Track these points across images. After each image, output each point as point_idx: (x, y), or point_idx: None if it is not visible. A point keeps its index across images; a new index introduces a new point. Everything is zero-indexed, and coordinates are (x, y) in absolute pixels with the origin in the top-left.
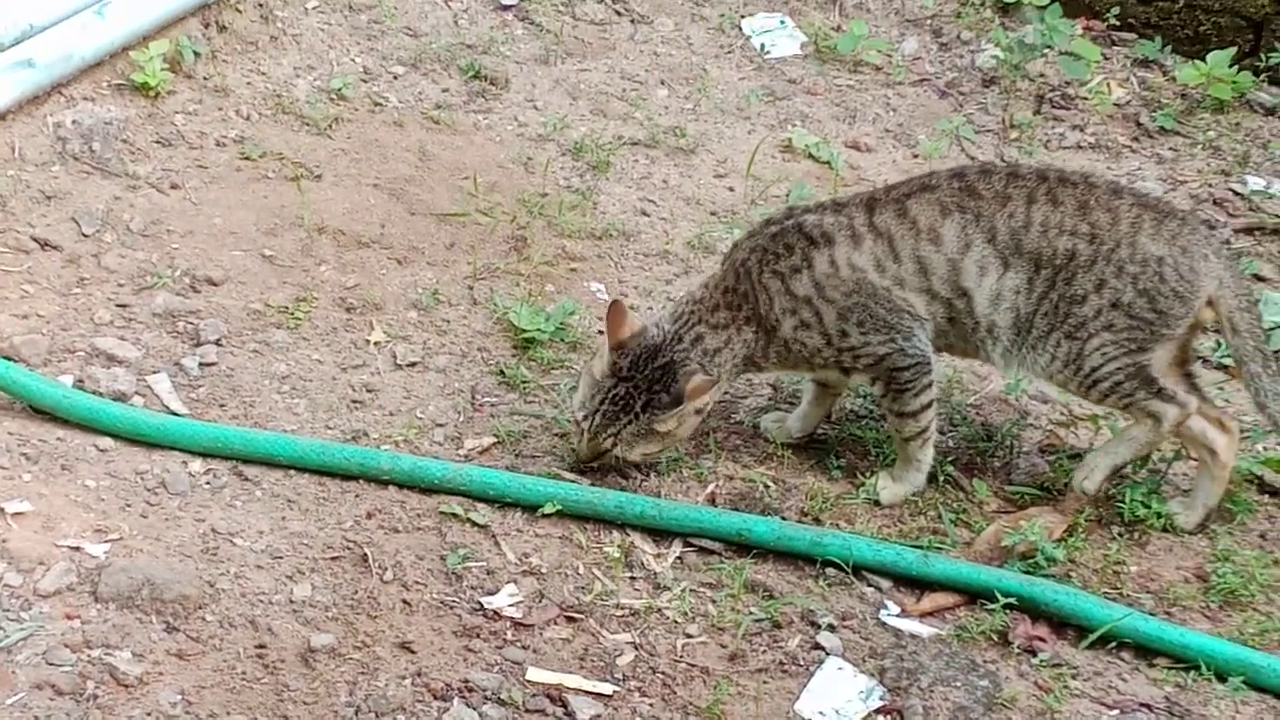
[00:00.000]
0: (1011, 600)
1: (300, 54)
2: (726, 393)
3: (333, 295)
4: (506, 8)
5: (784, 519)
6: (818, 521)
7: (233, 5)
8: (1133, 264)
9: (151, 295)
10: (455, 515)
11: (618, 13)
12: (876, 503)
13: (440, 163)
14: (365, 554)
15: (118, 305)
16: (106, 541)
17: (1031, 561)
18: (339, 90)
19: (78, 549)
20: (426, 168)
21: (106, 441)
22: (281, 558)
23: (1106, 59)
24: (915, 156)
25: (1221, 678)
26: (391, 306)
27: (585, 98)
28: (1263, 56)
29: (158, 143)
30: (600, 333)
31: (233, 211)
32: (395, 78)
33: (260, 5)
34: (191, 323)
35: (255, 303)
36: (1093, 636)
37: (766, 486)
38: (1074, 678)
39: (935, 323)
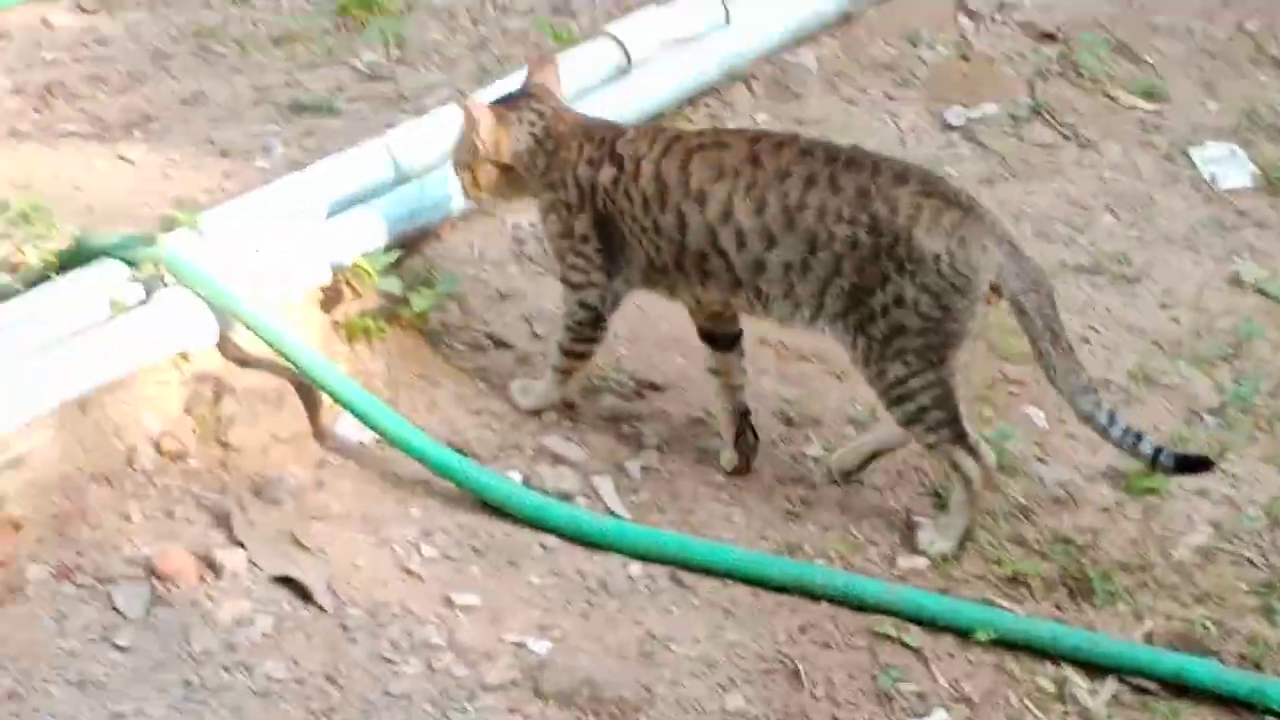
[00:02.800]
0: None
1: None
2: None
3: (772, 406)
4: (954, 128)
5: (1223, 662)
6: (1258, 668)
7: (686, 115)
8: (910, 262)
9: (598, 397)
10: (887, 635)
11: (1065, 136)
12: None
13: None
14: (798, 668)
15: (564, 405)
16: (549, 639)
17: None
18: None
19: (521, 645)
20: None
21: (551, 539)
22: (716, 666)
23: None
24: None
25: None
26: (830, 421)
27: (1029, 220)
28: None
29: None
30: (1038, 459)
31: (677, 319)
32: None
33: (712, 117)
34: (634, 426)
35: (697, 410)
36: None
37: (1206, 627)
38: None
39: (693, 275)
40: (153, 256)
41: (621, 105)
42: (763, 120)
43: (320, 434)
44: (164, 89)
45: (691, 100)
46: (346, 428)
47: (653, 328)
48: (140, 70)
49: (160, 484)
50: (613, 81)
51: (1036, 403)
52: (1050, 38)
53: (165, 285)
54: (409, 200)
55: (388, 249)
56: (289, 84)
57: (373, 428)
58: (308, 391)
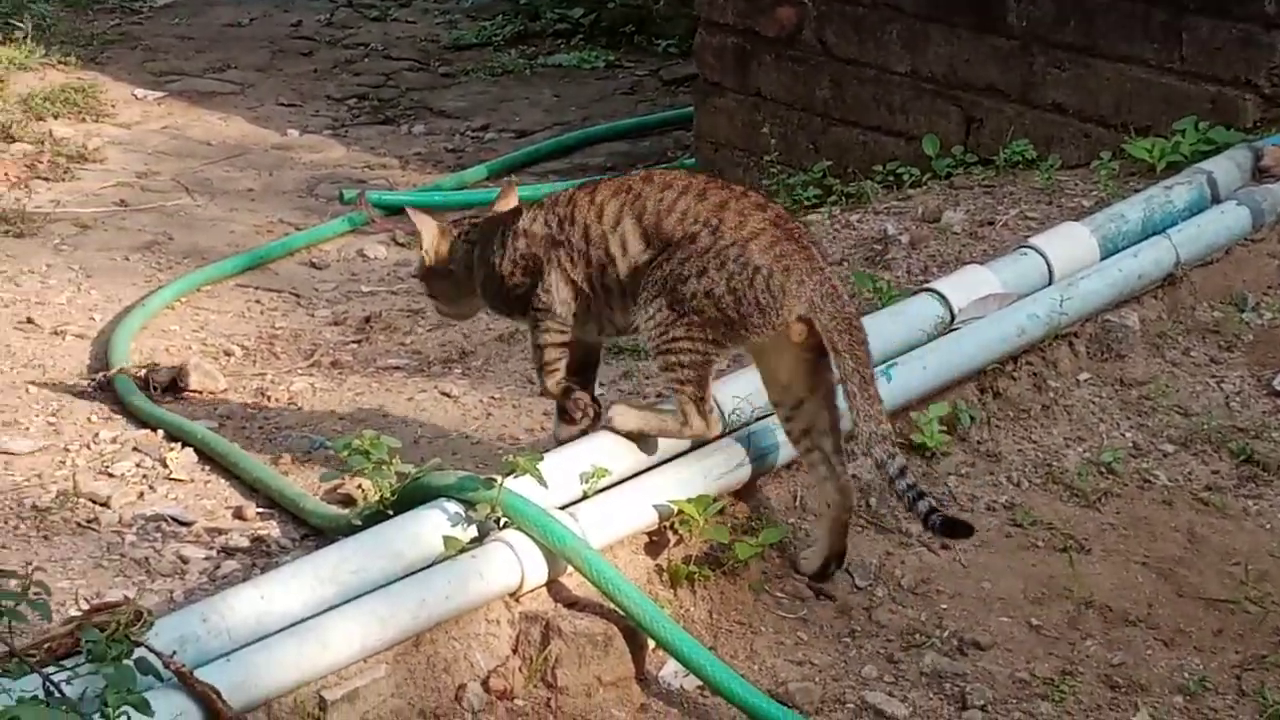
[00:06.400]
0: None
1: (1070, 424)
2: None
3: (1098, 671)
4: (1279, 394)
5: None
6: None
7: (1008, 373)
8: (733, 263)
9: (920, 654)
10: None
11: None
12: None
13: (1209, 546)
14: None
15: (887, 660)
16: None
17: None
18: (1108, 464)
19: None
20: (1195, 550)
21: None
22: None
23: None
24: None
25: None
26: (1157, 689)
27: None
28: None
29: None
30: None
31: (1000, 577)
32: (1164, 455)
33: (1034, 375)
34: (958, 685)
35: (1021, 671)
36: None
37: None
38: None
39: (600, 293)
40: (491, 499)
41: (944, 361)
42: (1084, 379)
43: (644, 679)
44: (479, 325)
45: (1014, 358)
46: (670, 674)
47: (975, 585)
48: None
49: None
50: (936, 337)
51: None
52: None
53: (499, 526)
54: (736, 450)
55: (715, 497)
56: None
57: (698, 675)
58: (633, 636)
